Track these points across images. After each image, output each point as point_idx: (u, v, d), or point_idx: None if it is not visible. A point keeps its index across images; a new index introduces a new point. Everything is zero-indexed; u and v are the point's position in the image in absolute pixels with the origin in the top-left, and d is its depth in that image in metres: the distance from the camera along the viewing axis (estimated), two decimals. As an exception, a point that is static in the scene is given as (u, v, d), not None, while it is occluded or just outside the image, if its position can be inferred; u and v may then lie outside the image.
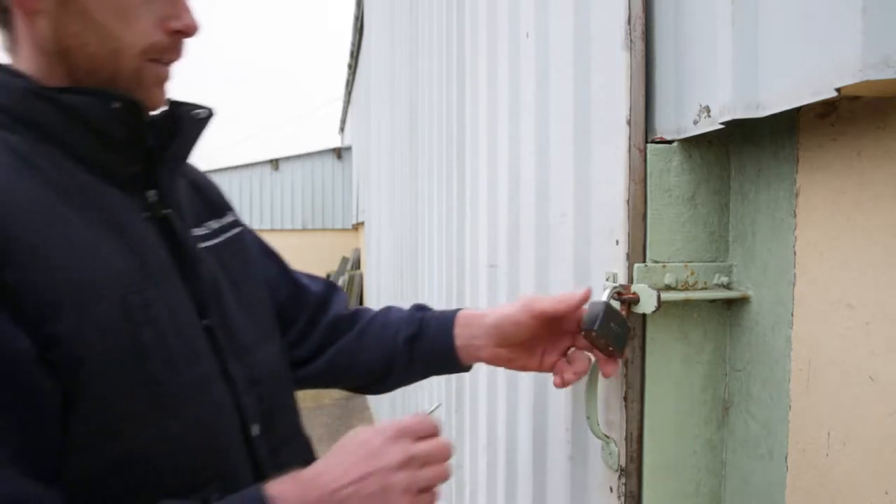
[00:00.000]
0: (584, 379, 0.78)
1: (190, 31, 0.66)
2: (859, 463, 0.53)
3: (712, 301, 0.71)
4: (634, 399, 0.73)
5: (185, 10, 0.66)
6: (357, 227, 9.20)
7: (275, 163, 11.64)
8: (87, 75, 0.62)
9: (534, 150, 1.06)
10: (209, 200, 0.81)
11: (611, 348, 0.69)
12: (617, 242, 0.74)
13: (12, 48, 0.63)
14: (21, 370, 0.52)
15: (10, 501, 0.49)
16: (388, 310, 0.91)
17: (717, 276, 0.71)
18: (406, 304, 0.93)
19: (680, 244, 0.72)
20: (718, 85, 0.62)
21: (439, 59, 1.88)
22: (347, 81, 9.09)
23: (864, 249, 0.53)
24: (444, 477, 0.63)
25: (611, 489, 0.77)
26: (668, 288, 0.70)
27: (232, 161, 11.73)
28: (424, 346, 0.84)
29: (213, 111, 0.73)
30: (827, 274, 0.57)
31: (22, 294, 0.52)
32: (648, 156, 0.71)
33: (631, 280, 0.71)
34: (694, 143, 0.71)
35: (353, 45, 7.53)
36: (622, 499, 0.74)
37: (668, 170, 0.71)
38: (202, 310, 0.68)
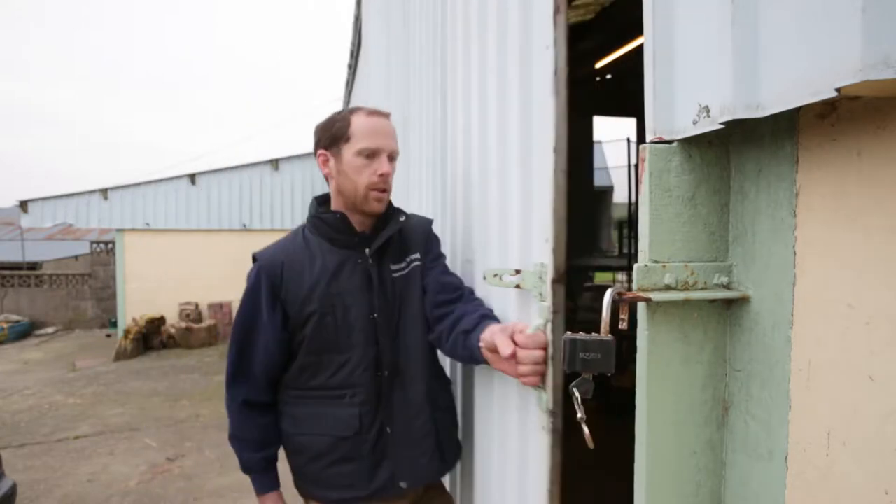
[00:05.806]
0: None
1: (386, 176, 1.40)
2: (859, 463, 0.53)
3: (712, 301, 0.71)
4: (555, 356, 1.00)
5: (385, 165, 1.40)
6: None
7: (275, 163, 11.61)
8: (346, 200, 1.45)
9: (517, 160, 1.07)
10: (409, 241, 1.51)
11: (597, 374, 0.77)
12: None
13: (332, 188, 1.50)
14: (276, 327, 1.43)
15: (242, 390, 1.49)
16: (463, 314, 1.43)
17: (717, 276, 0.71)
18: None
19: (680, 244, 0.72)
20: (718, 85, 0.61)
21: (428, 68, 1.94)
22: (347, 81, 9.08)
23: (864, 249, 0.53)
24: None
25: (542, 427, 1.05)
26: (668, 288, 0.70)
27: (232, 161, 11.72)
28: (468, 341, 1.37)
29: (407, 216, 1.50)
30: (827, 274, 0.57)
31: (284, 299, 1.42)
32: (648, 156, 0.71)
33: (630, 280, 0.71)
34: (694, 143, 0.71)
35: (353, 45, 7.52)
36: (551, 435, 1.02)
37: (667, 170, 0.71)
38: (372, 308, 1.42)
